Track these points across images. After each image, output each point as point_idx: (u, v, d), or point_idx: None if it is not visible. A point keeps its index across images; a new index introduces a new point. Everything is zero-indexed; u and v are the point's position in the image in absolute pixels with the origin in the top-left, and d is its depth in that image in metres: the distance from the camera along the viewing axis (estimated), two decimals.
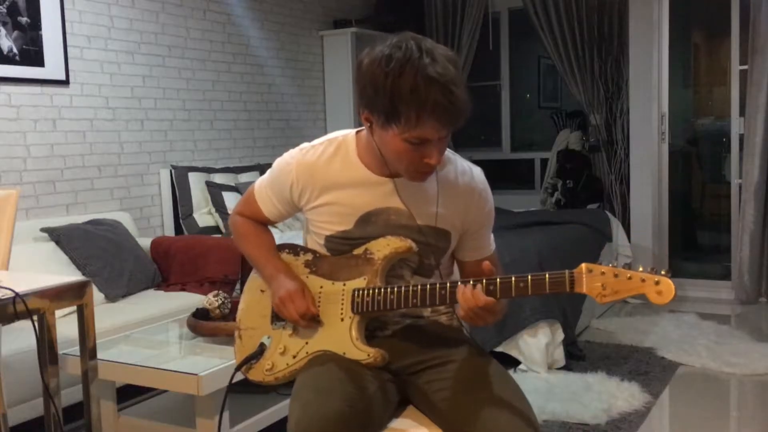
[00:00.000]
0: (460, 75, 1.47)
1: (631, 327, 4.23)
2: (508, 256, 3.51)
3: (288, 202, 1.73)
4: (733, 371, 3.49)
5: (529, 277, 1.45)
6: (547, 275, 1.43)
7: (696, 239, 5.94)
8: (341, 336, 1.62)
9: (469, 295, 1.47)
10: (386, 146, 1.53)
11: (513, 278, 1.46)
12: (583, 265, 1.40)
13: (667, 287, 1.34)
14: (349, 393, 1.49)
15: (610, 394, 3.18)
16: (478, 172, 1.72)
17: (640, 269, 1.37)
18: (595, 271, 1.39)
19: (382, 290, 1.59)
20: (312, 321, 1.64)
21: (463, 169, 1.70)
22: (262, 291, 1.77)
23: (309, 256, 1.73)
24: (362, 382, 1.55)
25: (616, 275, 1.37)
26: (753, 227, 4.72)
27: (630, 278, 1.36)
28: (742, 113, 4.81)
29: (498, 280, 1.47)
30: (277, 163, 1.73)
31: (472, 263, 1.74)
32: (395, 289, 1.58)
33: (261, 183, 1.78)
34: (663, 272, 1.35)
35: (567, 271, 1.41)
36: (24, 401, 2.68)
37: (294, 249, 1.76)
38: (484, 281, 1.48)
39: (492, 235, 1.78)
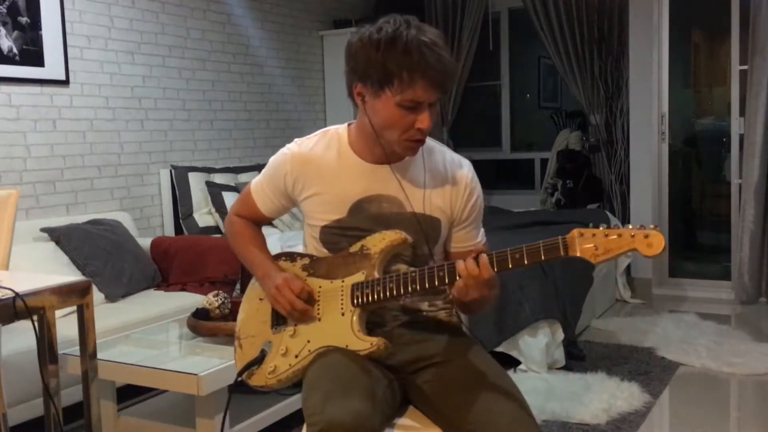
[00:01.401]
0: (446, 45, 1.56)
1: (631, 327, 4.23)
2: None
3: (283, 194, 1.76)
4: (733, 371, 3.49)
5: (524, 247, 1.47)
6: (541, 243, 1.45)
7: (696, 239, 5.94)
8: (342, 329, 1.62)
9: (474, 266, 1.48)
10: (379, 115, 1.57)
11: (509, 250, 1.48)
12: (575, 230, 1.43)
13: (657, 239, 1.37)
14: (368, 387, 1.50)
15: (610, 394, 3.18)
16: (466, 163, 1.76)
17: (629, 226, 1.40)
18: (586, 234, 1.42)
19: (381, 280, 1.60)
20: (309, 302, 1.66)
21: (452, 159, 1.75)
22: (260, 299, 1.78)
23: (306, 260, 1.74)
24: (374, 379, 1.56)
25: (606, 235, 1.41)
26: (753, 227, 4.72)
27: (620, 236, 1.39)
28: (742, 113, 4.81)
29: (494, 253, 1.50)
30: (273, 158, 1.78)
31: (460, 254, 1.73)
32: (393, 277, 1.59)
33: (257, 180, 1.83)
34: (652, 226, 1.39)
35: (560, 237, 1.44)
36: (24, 401, 2.68)
37: (291, 256, 1.78)
38: (482, 254, 1.50)
39: (482, 229, 1.81)
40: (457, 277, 1.53)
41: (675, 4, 5.02)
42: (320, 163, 1.70)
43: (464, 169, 1.74)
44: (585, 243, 1.41)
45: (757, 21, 4.58)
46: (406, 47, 1.49)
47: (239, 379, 1.72)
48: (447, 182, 1.70)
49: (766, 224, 4.75)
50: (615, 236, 1.40)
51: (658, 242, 1.36)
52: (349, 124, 1.74)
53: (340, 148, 1.70)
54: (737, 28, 4.80)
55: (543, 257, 1.45)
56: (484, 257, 1.49)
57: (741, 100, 4.81)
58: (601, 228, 1.42)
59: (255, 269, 1.78)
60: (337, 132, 1.74)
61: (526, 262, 1.46)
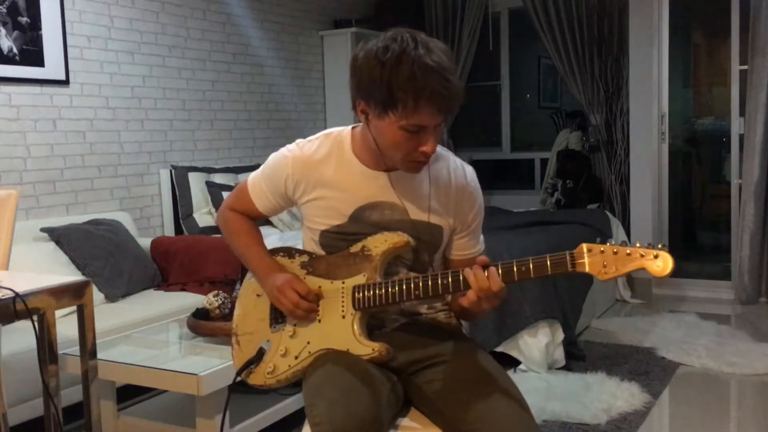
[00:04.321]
0: (453, 65, 1.52)
1: (631, 327, 4.23)
2: (508, 256, 3.50)
3: (282, 196, 1.74)
4: (733, 371, 3.49)
5: (531, 260, 1.47)
6: (548, 257, 1.45)
7: (696, 239, 5.95)
8: (343, 333, 1.62)
9: (484, 279, 1.48)
10: (383, 136, 1.55)
11: (515, 262, 1.48)
12: (583, 245, 1.43)
13: (665, 260, 1.36)
14: (371, 392, 1.50)
15: (610, 394, 3.18)
16: (470, 170, 1.74)
17: (638, 244, 1.40)
18: (595, 249, 1.41)
19: (383, 285, 1.60)
20: (314, 303, 1.65)
21: (456, 166, 1.72)
22: (258, 295, 1.76)
23: (305, 258, 1.73)
24: (377, 382, 1.55)
25: (615, 252, 1.40)
26: (753, 227, 4.71)
27: (629, 254, 1.39)
28: (742, 113, 4.81)
29: (500, 264, 1.49)
30: (273, 157, 1.75)
31: (459, 261, 1.74)
32: (396, 282, 1.58)
33: (254, 177, 1.79)
34: (660, 246, 1.38)
35: (568, 252, 1.43)
36: (24, 401, 2.68)
37: (289, 252, 1.76)
38: (491, 267, 1.49)
39: (482, 236, 1.80)
40: (462, 288, 1.52)
41: (675, 4, 5.03)
42: (322, 167, 1.68)
43: (468, 177, 1.72)
44: (593, 258, 1.41)
45: (757, 21, 4.59)
46: (411, 72, 1.43)
47: (238, 378, 1.72)
48: (450, 190, 1.68)
49: (766, 224, 4.76)
50: (624, 254, 1.39)
51: (666, 263, 1.36)
52: (353, 128, 1.71)
53: (343, 153, 1.68)
54: (737, 28, 4.80)
55: (550, 271, 1.45)
56: (493, 270, 1.48)
57: (741, 100, 4.81)
58: (609, 244, 1.41)
59: (255, 268, 1.77)
60: (341, 135, 1.70)
61: (532, 275, 1.46)
